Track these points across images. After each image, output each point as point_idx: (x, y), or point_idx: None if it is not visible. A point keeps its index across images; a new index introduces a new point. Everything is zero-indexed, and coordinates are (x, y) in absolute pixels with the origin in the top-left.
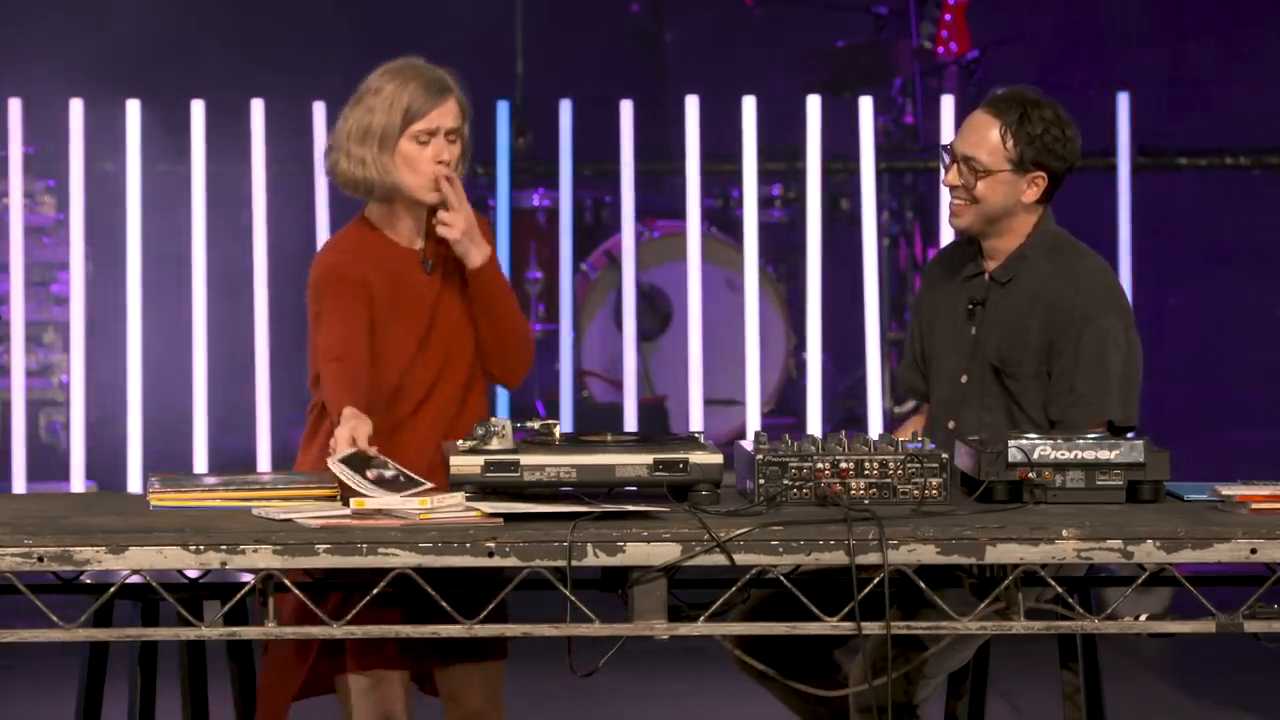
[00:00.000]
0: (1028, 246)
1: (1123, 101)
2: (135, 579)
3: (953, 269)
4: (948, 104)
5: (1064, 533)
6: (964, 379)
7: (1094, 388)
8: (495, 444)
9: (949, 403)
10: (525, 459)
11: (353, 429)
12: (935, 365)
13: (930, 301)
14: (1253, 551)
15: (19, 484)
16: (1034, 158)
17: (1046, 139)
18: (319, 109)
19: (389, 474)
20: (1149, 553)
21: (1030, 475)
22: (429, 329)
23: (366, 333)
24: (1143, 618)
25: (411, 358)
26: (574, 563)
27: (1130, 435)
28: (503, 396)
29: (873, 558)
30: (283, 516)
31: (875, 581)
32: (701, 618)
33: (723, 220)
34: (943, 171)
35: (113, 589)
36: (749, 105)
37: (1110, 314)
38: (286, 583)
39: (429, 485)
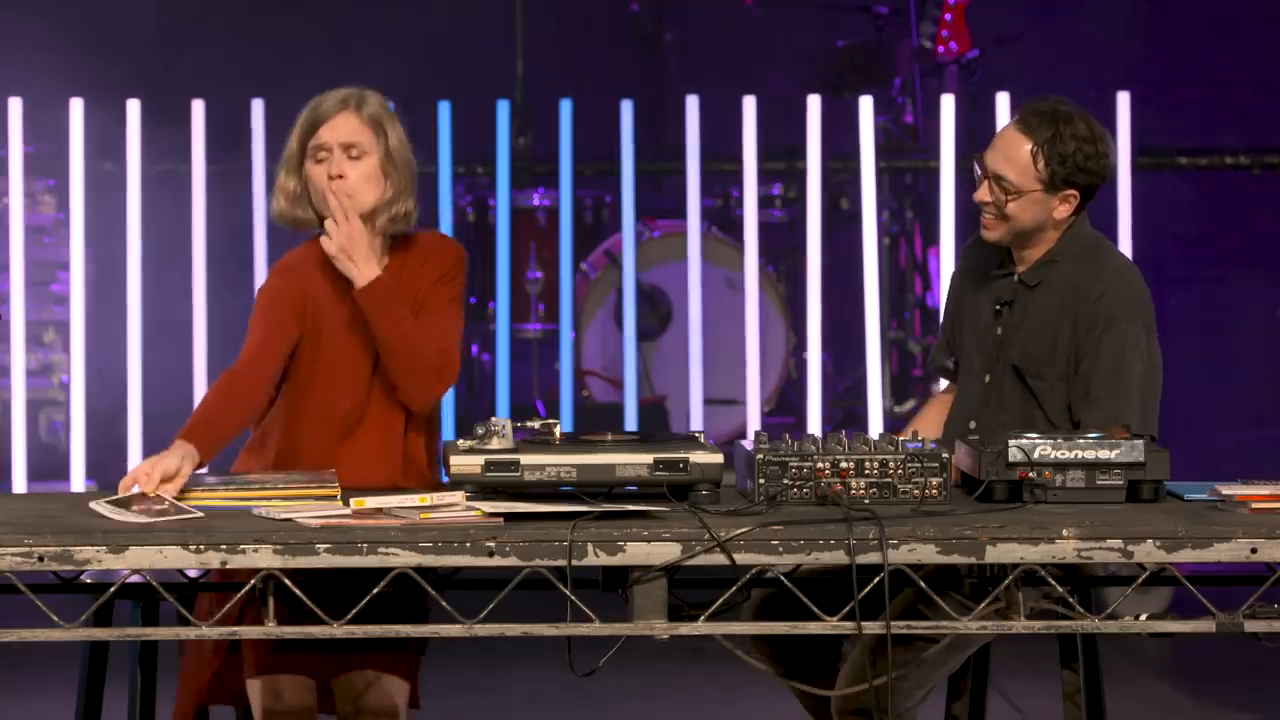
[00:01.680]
0: (1057, 251)
1: (1123, 101)
2: (135, 578)
3: (985, 262)
4: (948, 104)
5: (1064, 532)
6: (987, 379)
7: (1113, 392)
8: (495, 443)
9: (973, 402)
10: (525, 458)
11: (151, 466)
12: (963, 361)
13: (962, 290)
14: (1253, 551)
15: (19, 484)
16: (1065, 176)
17: (1078, 158)
18: None
19: (157, 506)
20: (1149, 552)
21: (1030, 475)
22: (375, 358)
23: (281, 347)
24: (1143, 617)
25: (368, 377)
26: (574, 562)
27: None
28: (503, 396)
29: (873, 557)
30: (283, 516)
31: (875, 581)
32: (701, 617)
33: (723, 220)
34: (966, 182)
35: (113, 589)
36: (749, 105)
37: (1134, 319)
38: (287, 582)
39: (196, 515)
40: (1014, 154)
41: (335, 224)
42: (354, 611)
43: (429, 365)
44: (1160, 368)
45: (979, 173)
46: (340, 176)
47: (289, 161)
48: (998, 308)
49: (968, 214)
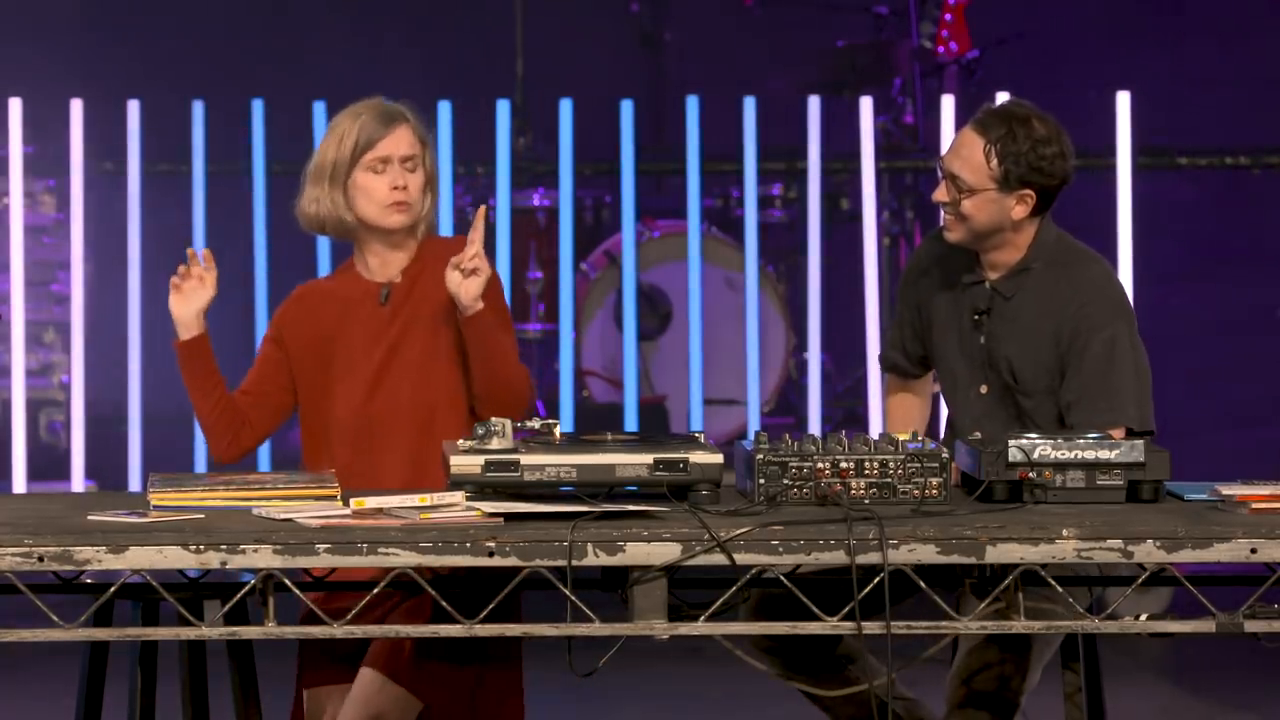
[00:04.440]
0: (1029, 259)
1: (1123, 101)
2: (135, 579)
3: (950, 267)
4: (948, 104)
5: (1064, 533)
6: (984, 389)
7: (1108, 395)
8: (495, 443)
9: (973, 413)
10: (525, 459)
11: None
12: (945, 369)
13: (926, 293)
14: (1253, 551)
15: (19, 484)
16: (1020, 176)
17: (1032, 157)
18: (319, 109)
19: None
20: (1149, 553)
21: (1030, 475)
22: (382, 365)
23: (270, 380)
24: (1143, 618)
25: (363, 395)
26: (574, 563)
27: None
28: None
29: (873, 557)
30: (283, 516)
31: (875, 581)
32: (701, 618)
33: (723, 220)
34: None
35: (113, 589)
36: (749, 105)
37: (1117, 321)
38: (287, 583)
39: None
40: (968, 153)
41: (475, 241)
42: (353, 612)
43: (526, 385)
44: (1148, 364)
45: (940, 174)
46: (404, 188)
47: (334, 170)
48: (975, 316)
49: None
